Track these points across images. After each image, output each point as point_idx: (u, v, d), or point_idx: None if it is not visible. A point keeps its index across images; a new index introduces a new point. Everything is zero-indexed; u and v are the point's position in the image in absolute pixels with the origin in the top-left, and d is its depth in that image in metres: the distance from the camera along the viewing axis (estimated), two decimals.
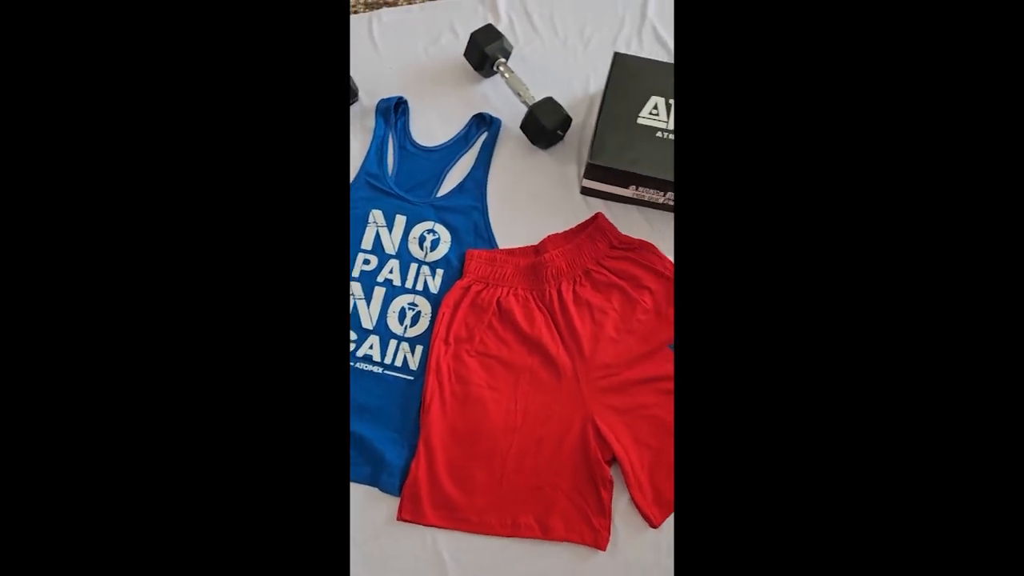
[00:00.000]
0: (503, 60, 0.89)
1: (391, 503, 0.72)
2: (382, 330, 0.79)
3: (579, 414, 0.74)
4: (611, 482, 0.72)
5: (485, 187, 0.87)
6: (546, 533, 0.71)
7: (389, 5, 1.06)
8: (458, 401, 0.75)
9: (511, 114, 0.90)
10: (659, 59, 0.94)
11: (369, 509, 0.72)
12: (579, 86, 0.93)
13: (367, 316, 0.80)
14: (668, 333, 0.77)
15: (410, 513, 0.71)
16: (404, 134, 0.89)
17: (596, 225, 0.82)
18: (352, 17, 0.97)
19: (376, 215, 0.84)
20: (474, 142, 0.89)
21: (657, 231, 0.84)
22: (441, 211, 0.85)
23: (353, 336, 0.79)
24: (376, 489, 0.73)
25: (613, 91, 0.80)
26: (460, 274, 0.80)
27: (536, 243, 0.82)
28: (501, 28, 0.96)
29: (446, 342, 0.77)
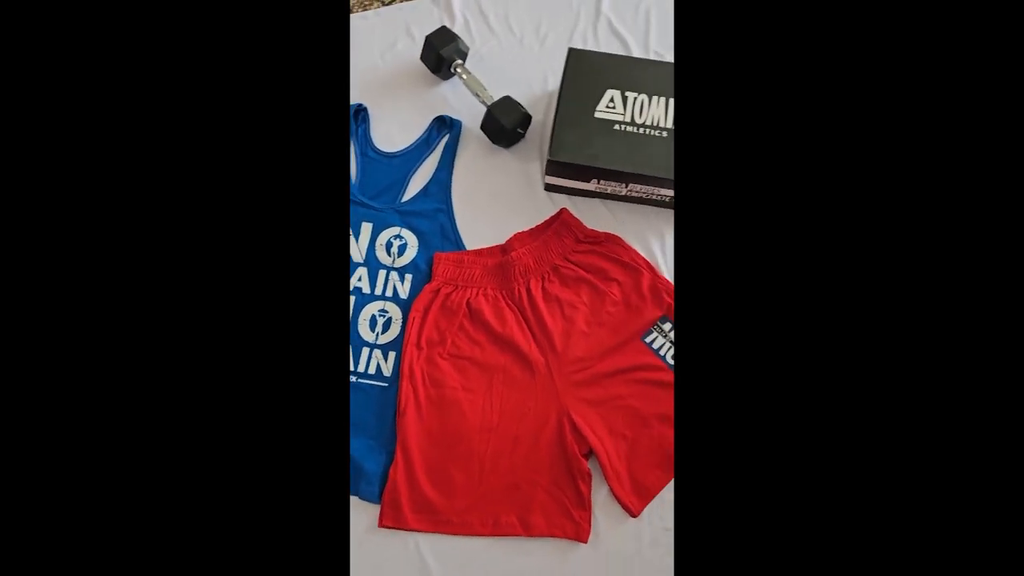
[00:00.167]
0: (460, 62, 0.89)
1: (372, 511, 0.72)
2: (354, 338, 0.79)
3: (554, 409, 0.75)
4: (589, 475, 0.72)
5: (449, 189, 0.87)
6: (528, 530, 0.71)
7: None
8: (433, 405, 0.75)
9: (472, 115, 0.90)
10: (615, 52, 0.95)
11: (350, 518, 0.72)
12: (538, 83, 0.93)
13: None
14: (638, 323, 0.78)
15: (391, 519, 0.71)
16: (365, 141, 0.89)
17: (561, 221, 0.82)
18: None
19: None
20: (436, 145, 0.89)
21: (621, 223, 0.84)
22: (407, 216, 0.85)
23: None
24: (356, 498, 0.73)
25: (569, 87, 0.81)
26: (429, 278, 0.80)
27: (503, 242, 0.83)
28: (457, 29, 0.96)
29: (418, 346, 0.77)
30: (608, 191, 0.83)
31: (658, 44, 0.96)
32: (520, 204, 0.86)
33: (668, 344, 0.77)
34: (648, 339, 0.78)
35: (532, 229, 0.83)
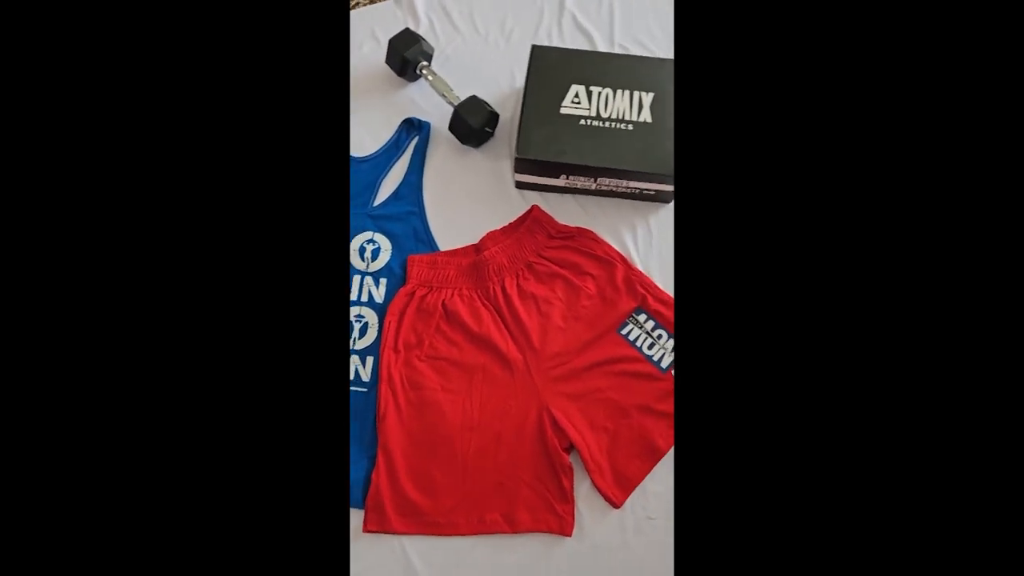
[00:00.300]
0: (425, 63, 0.89)
1: (356, 516, 0.72)
2: None
3: (534, 406, 0.75)
4: (571, 469, 0.73)
5: (421, 191, 0.87)
6: (513, 526, 0.72)
7: None
8: (413, 407, 0.75)
9: (441, 116, 0.90)
10: (580, 47, 0.95)
11: None
12: (505, 81, 0.93)
13: None
14: (613, 316, 0.79)
15: (375, 524, 0.71)
16: None
17: (533, 218, 0.82)
18: None
19: None
20: (405, 148, 0.89)
21: (593, 217, 0.85)
22: (379, 220, 0.85)
23: None
24: None
25: (533, 84, 0.81)
26: (403, 281, 0.81)
27: (476, 242, 0.83)
28: (422, 30, 0.96)
29: (395, 350, 0.77)
30: (578, 186, 0.83)
31: (622, 37, 0.96)
32: (492, 203, 0.86)
33: (644, 335, 0.78)
34: (624, 331, 0.78)
35: (504, 227, 0.84)
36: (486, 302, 0.79)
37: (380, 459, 0.73)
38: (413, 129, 0.90)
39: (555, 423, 0.74)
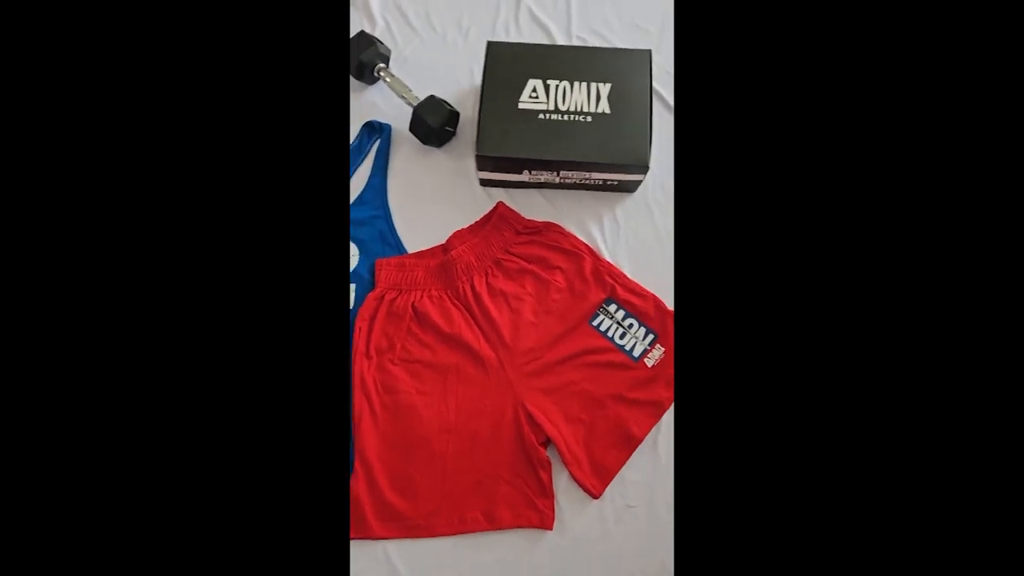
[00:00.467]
0: (383, 65, 0.88)
1: None
2: None
3: (509, 403, 0.75)
4: (549, 463, 0.73)
5: (385, 194, 0.86)
6: (494, 524, 0.72)
7: None
8: (388, 412, 0.75)
9: (402, 118, 0.89)
10: (538, 41, 0.95)
11: None
12: (464, 79, 0.93)
13: None
14: (584, 308, 0.79)
15: (356, 531, 0.71)
16: None
17: (499, 215, 0.82)
18: None
19: None
20: (368, 151, 0.89)
21: (560, 211, 0.85)
22: None
23: None
24: None
25: (490, 80, 0.81)
26: (372, 286, 0.80)
27: (444, 242, 0.83)
28: (378, 32, 0.96)
29: (367, 355, 0.77)
30: (542, 180, 0.83)
31: (580, 28, 0.96)
32: (458, 202, 0.86)
33: (615, 325, 0.78)
34: (595, 322, 0.78)
35: (471, 226, 0.84)
36: (456, 302, 0.79)
37: (357, 466, 0.73)
38: (374, 132, 0.89)
39: (531, 418, 0.74)
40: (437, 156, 0.89)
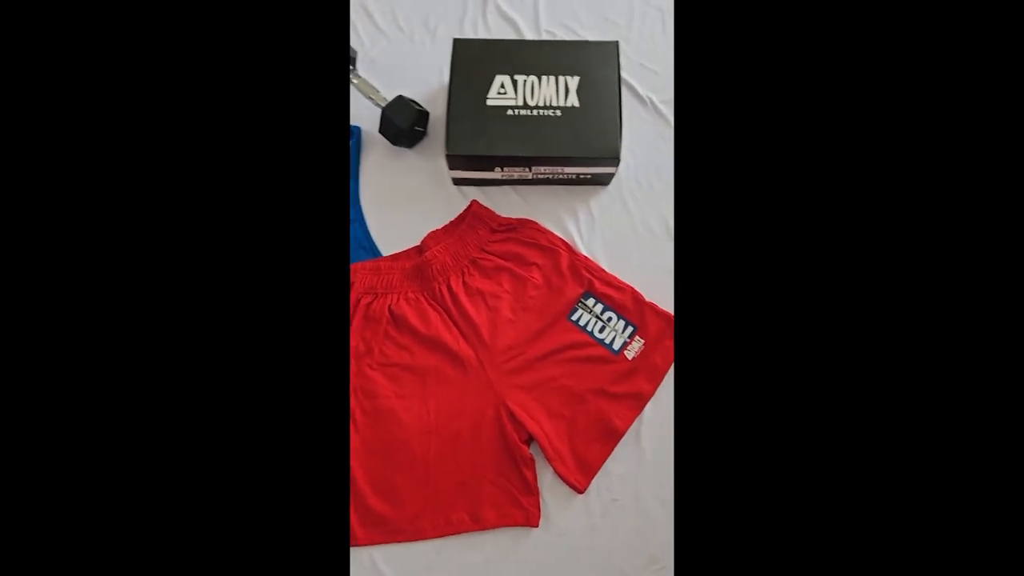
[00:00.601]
0: (350, 67, 0.87)
1: None
2: None
3: (490, 402, 0.75)
4: (532, 460, 0.73)
5: (358, 198, 0.86)
6: (479, 524, 0.71)
7: None
8: (369, 417, 0.75)
9: (372, 120, 0.88)
10: (506, 36, 0.94)
11: None
12: (434, 78, 0.92)
13: None
14: (562, 303, 0.79)
15: None
16: None
17: (473, 213, 0.82)
18: None
19: None
20: None
21: (534, 207, 0.85)
22: None
23: None
24: None
25: (457, 78, 0.80)
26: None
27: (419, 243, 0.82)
28: None
29: None
30: (515, 177, 0.83)
31: (548, 23, 0.96)
32: (432, 202, 0.85)
33: (594, 319, 0.78)
34: (574, 317, 0.78)
35: (446, 226, 0.83)
36: (433, 303, 0.78)
37: None
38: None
39: (512, 416, 0.73)
40: (409, 157, 0.88)
